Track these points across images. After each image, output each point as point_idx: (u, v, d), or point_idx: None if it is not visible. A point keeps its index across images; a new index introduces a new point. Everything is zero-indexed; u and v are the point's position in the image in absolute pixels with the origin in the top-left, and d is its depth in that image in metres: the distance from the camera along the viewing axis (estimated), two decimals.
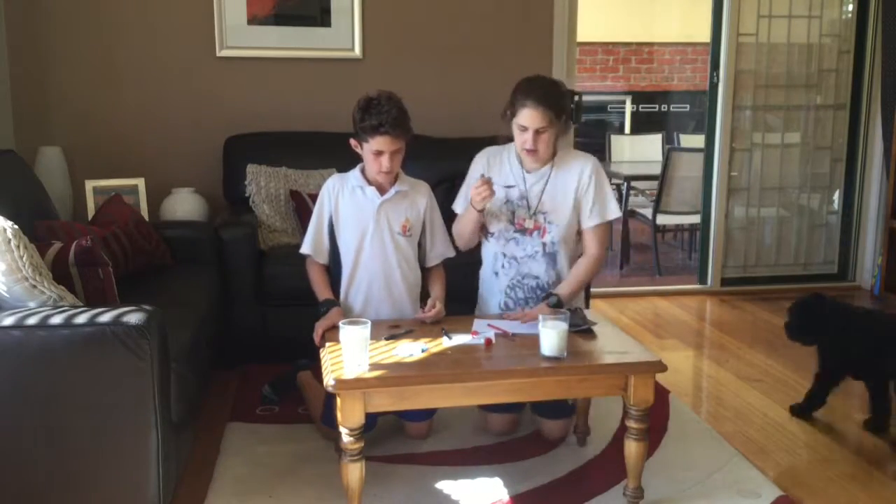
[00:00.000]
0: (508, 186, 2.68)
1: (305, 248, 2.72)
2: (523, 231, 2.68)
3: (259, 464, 2.60)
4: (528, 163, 2.68)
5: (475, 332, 2.41)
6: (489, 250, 2.75)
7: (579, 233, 2.73)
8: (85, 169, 3.93)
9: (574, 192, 2.65)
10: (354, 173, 2.69)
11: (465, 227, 2.73)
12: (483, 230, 2.74)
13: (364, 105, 2.55)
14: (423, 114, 4.22)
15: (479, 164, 2.76)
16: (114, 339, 2.00)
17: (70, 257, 2.39)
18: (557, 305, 2.51)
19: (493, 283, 2.75)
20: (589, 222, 2.67)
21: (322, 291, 2.67)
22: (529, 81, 2.60)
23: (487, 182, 2.54)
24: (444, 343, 2.35)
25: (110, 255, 2.61)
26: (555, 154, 2.68)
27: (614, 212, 2.71)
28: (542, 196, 2.66)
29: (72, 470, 2.07)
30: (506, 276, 2.71)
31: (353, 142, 2.62)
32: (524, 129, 2.57)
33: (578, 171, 2.65)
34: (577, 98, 4.64)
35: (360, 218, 2.64)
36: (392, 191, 2.65)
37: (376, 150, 2.55)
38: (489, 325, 2.48)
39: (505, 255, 2.71)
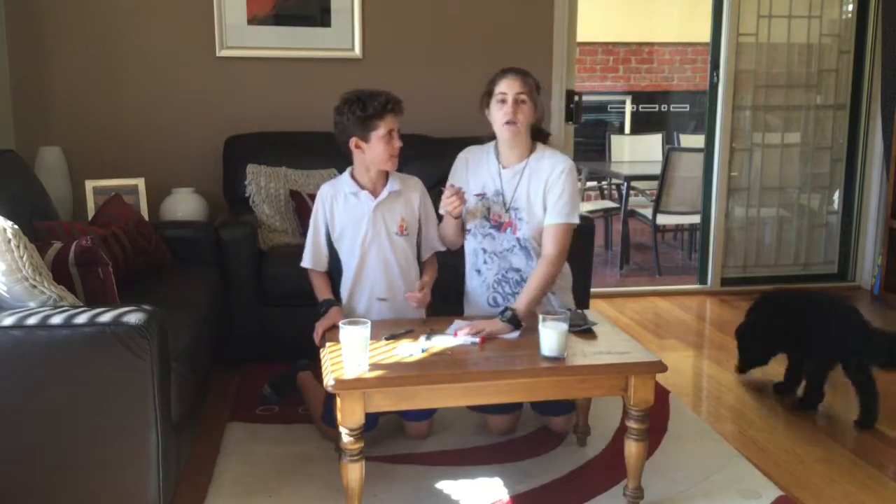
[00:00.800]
0: (478, 195, 2.69)
1: (306, 263, 2.72)
2: (498, 226, 2.69)
3: (259, 464, 2.60)
4: (504, 156, 2.69)
5: (455, 334, 2.41)
6: (469, 247, 2.76)
7: None
8: (85, 169, 3.93)
9: (541, 189, 2.63)
10: (345, 179, 2.68)
11: (446, 231, 2.75)
12: (463, 228, 2.76)
13: (355, 99, 2.56)
14: (423, 114, 4.25)
15: (461, 163, 2.78)
16: (114, 339, 2.00)
17: (70, 257, 2.40)
18: (512, 321, 2.42)
19: (476, 281, 2.76)
20: (549, 219, 2.61)
21: (322, 292, 2.67)
22: (506, 67, 2.67)
23: (458, 193, 2.57)
24: (421, 342, 2.34)
25: (110, 255, 2.61)
26: (533, 148, 2.69)
27: (577, 217, 2.63)
28: (515, 192, 2.67)
29: (72, 469, 2.07)
30: (490, 272, 2.72)
31: (353, 141, 2.59)
32: (503, 99, 2.59)
33: (549, 169, 2.63)
34: (576, 98, 4.66)
35: (356, 223, 2.64)
36: (385, 192, 2.65)
37: (389, 130, 2.56)
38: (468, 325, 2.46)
39: (486, 251, 2.72)
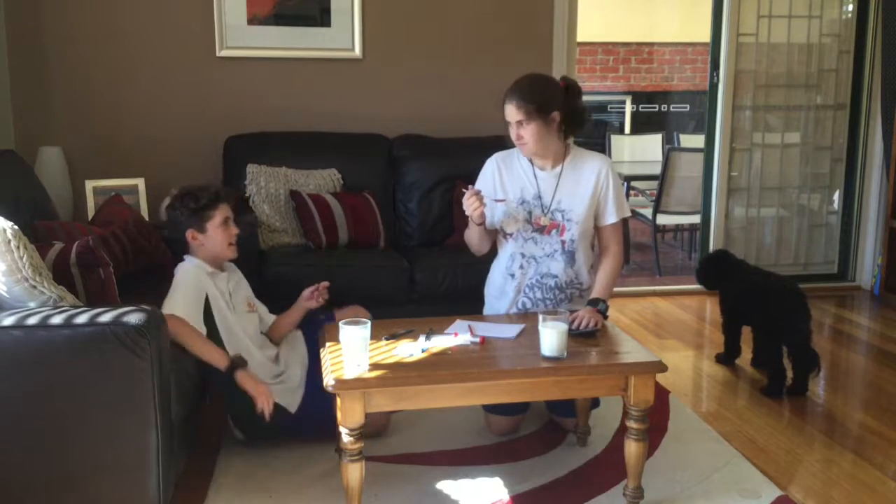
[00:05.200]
0: (498, 201, 2.69)
1: (181, 312, 2.44)
2: (541, 230, 2.69)
3: (259, 464, 2.60)
4: (537, 161, 2.70)
5: (455, 334, 2.41)
6: (506, 251, 2.75)
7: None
8: (85, 169, 3.93)
9: (591, 190, 2.67)
10: (198, 262, 2.61)
11: (471, 238, 2.74)
12: (501, 232, 2.74)
13: (185, 193, 2.60)
14: (423, 114, 4.27)
15: (489, 170, 2.76)
16: (114, 339, 2.00)
17: (71, 257, 2.39)
18: (604, 312, 2.54)
19: (507, 285, 2.74)
20: (609, 220, 2.70)
21: (219, 352, 2.48)
22: (517, 79, 2.65)
23: (476, 194, 2.56)
24: (421, 342, 2.35)
25: (110, 255, 2.60)
26: (566, 151, 2.71)
27: (628, 208, 2.81)
28: (555, 194, 2.68)
29: (72, 470, 2.07)
30: (525, 277, 2.71)
31: (190, 234, 2.58)
32: (509, 123, 2.62)
33: (596, 171, 2.68)
34: None
35: (223, 304, 2.60)
36: (228, 269, 2.69)
37: (224, 218, 2.61)
38: (469, 325, 2.48)
39: (524, 256, 2.70)
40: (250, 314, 2.70)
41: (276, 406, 2.53)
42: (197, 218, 2.58)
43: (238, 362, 2.45)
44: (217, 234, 2.60)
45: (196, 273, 2.57)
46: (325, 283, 2.81)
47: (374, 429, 2.76)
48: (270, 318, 2.86)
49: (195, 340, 2.43)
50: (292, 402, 2.63)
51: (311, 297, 2.80)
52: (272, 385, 2.61)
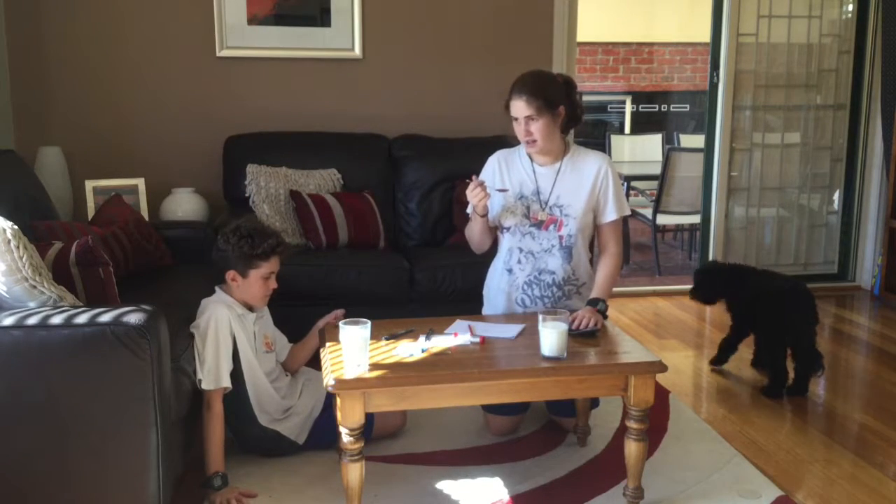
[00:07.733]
0: (500, 190, 2.69)
1: (226, 381, 2.44)
2: (538, 225, 2.69)
3: (259, 464, 2.60)
4: (537, 157, 2.70)
5: (455, 334, 2.41)
6: (505, 246, 2.75)
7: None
8: (85, 169, 3.94)
9: (590, 186, 2.67)
10: (230, 301, 2.54)
11: (473, 232, 2.75)
12: (499, 227, 2.75)
13: (246, 234, 2.48)
14: (423, 114, 4.27)
15: (491, 167, 2.77)
16: (114, 339, 2.00)
17: (71, 257, 2.40)
18: (603, 312, 2.54)
19: (505, 280, 2.74)
20: (608, 218, 2.70)
21: (219, 458, 2.43)
22: (521, 75, 2.65)
23: (480, 184, 2.57)
24: (421, 342, 2.35)
25: (110, 255, 2.61)
26: (566, 148, 2.71)
27: (628, 207, 2.80)
28: (553, 190, 2.68)
29: (71, 470, 2.07)
30: (522, 273, 2.71)
31: (230, 275, 2.51)
32: (517, 120, 2.62)
33: (595, 168, 2.68)
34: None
35: (248, 347, 2.54)
36: (258, 311, 2.62)
37: (270, 273, 2.53)
38: (469, 325, 2.48)
39: (521, 251, 2.71)
40: (268, 354, 2.65)
41: (284, 438, 2.61)
42: (244, 262, 2.49)
43: (221, 482, 2.40)
44: (256, 283, 2.52)
45: (228, 319, 2.48)
46: (341, 311, 2.68)
47: (392, 428, 2.78)
48: (287, 347, 2.80)
49: (216, 433, 2.43)
50: (301, 434, 2.65)
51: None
52: (281, 420, 2.63)
